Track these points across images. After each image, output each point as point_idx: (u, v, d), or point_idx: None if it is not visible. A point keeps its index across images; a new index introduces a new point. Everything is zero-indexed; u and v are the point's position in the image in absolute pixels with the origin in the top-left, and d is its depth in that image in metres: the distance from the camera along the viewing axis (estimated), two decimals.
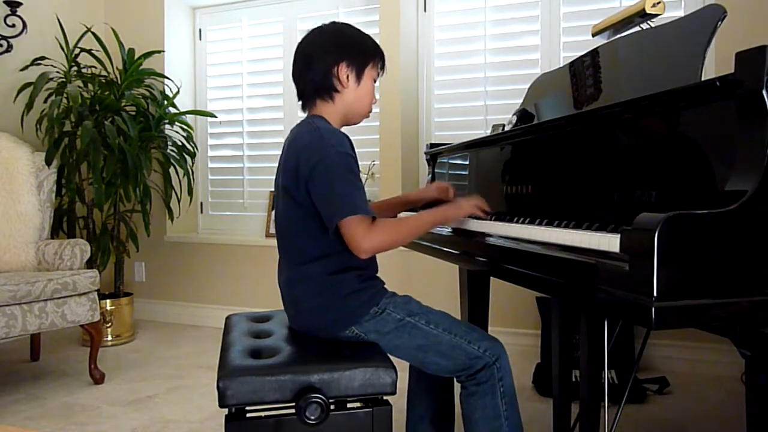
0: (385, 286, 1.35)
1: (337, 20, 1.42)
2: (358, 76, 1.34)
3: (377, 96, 1.43)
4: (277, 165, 1.39)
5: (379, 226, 1.23)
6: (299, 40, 1.39)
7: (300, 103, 1.39)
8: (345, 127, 1.38)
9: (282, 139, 3.49)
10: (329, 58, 1.32)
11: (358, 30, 1.40)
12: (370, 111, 1.41)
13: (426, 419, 1.45)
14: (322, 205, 1.23)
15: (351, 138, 1.29)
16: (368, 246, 1.20)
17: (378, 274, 1.37)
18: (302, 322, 1.34)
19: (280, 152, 1.38)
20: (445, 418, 1.47)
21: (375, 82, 1.39)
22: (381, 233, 1.22)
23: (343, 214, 1.19)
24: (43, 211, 2.75)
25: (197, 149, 3.47)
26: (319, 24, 1.39)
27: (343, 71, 1.32)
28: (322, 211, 1.23)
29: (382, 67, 1.40)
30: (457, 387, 1.34)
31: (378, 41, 1.42)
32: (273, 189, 3.40)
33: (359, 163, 1.29)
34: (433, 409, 1.45)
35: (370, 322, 1.27)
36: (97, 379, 2.49)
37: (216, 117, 3.57)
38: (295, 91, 1.41)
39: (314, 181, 1.23)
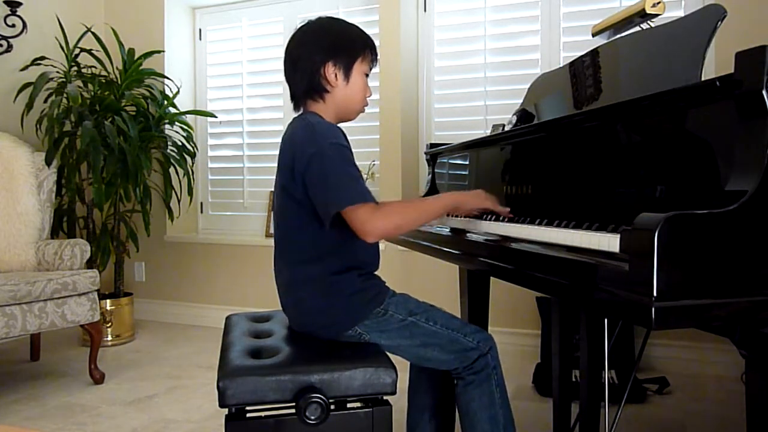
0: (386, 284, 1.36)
1: (323, 15, 1.39)
2: (347, 74, 1.33)
3: (371, 91, 1.41)
4: (276, 165, 1.39)
5: (385, 208, 1.22)
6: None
7: (292, 103, 1.39)
8: (342, 124, 1.38)
9: None
10: (315, 58, 1.31)
11: (345, 24, 1.37)
12: (365, 105, 1.40)
13: (426, 413, 1.46)
14: (318, 196, 1.22)
15: (348, 135, 1.28)
16: (373, 228, 1.18)
17: (377, 273, 1.37)
18: (304, 323, 1.34)
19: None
20: (445, 412, 1.48)
21: (367, 76, 1.37)
22: (388, 215, 1.21)
23: (345, 204, 1.18)
24: (43, 211, 2.75)
25: (197, 149, 3.47)
26: (305, 21, 1.36)
27: (331, 71, 1.31)
28: (317, 202, 1.22)
29: (374, 59, 1.38)
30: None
31: (378, 41, 1.41)
32: (273, 189, 3.40)
33: (358, 163, 1.29)
34: (433, 404, 1.46)
35: (373, 322, 1.28)
36: (97, 379, 2.49)
37: (216, 117, 3.57)
38: None
39: (310, 174, 1.21)
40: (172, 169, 3.34)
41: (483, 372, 1.27)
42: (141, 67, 3.25)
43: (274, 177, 1.42)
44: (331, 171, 1.20)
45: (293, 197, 1.27)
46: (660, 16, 1.42)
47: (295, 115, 1.39)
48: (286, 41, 1.37)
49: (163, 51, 3.54)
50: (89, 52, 3.16)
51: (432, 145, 2.04)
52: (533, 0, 2.91)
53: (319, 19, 1.37)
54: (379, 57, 1.41)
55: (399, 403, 1.39)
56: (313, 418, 1.10)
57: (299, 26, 1.37)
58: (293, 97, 1.38)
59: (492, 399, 1.28)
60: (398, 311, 1.29)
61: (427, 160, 2.07)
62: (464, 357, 1.27)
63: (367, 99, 1.40)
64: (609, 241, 0.88)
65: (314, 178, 1.21)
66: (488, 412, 1.27)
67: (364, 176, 3.09)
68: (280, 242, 1.35)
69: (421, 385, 1.47)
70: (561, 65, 1.73)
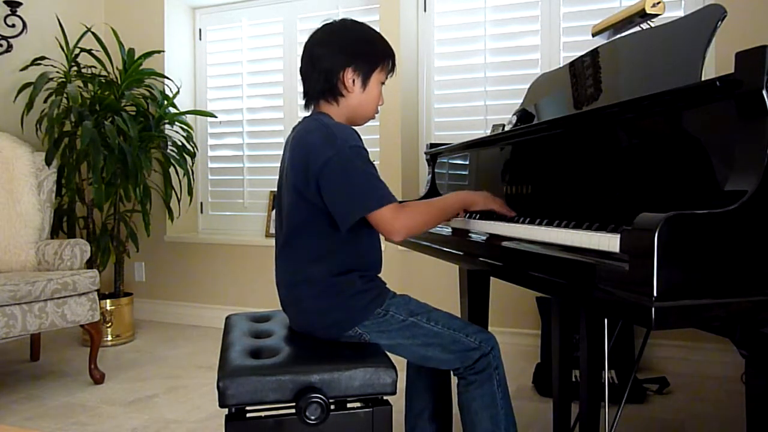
0: (387, 285, 1.36)
1: (347, 18, 1.39)
2: (365, 82, 1.33)
3: (384, 100, 1.42)
4: (279, 164, 1.38)
5: (409, 207, 1.24)
6: (307, 36, 1.37)
7: (304, 100, 1.39)
8: None
9: (282, 139, 3.51)
10: (336, 61, 1.30)
11: (369, 30, 1.37)
12: (376, 113, 1.41)
13: (424, 415, 1.46)
14: (338, 201, 1.21)
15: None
16: (401, 226, 1.20)
17: (378, 275, 1.37)
18: (304, 323, 1.34)
19: (280, 152, 1.36)
20: (443, 414, 1.48)
21: (383, 84, 1.38)
22: (413, 214, 1.23)
23: (374, 206, 1.19)
24: (43, 211, 2.75)
25: (197, 149, 3.47)
26: (330, 20, 1.36)
27: (349, 76, 1.31)
28: (337, 207, 1.21)
29: (392, 69, 1.38)
30: (453, 381, 1.36)
31: None
32: (273, 189, 3.41)
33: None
34: (432, 404, 1.46)
35: (374, 323, 1.27)
36: (97, 379, 2.49)
37: (216, 117, 3.57)
38: (295, 91, 1.41)
39: (327, 178, 1.21)
40: (172, 169, 3.34)
41: (485, 372, 1.27)
42: (141, 67, 3.25)
43: (277, 177, 1.42)
44: (354, 175, 1.21)
45: (304, 197, 1.26)
46: (660, 16, 1.42)
47: (305, 113, 1.39)
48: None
49: (163, 51, 3.54)
50: (89, 52, 3.16)
51: (432, 145, 2.04)
52: (533, 0, 2.91)
53: (344, 21, 1.37)
54: (396, 67, 1.41)
55: (399, 403, 1.39)
56: (313, 418, 1.10)
57: (323, 24, 1.36)
58: (306, 95, 1.37)
59: (494, 399, 1.28)
60: (399, 312, 1.28)
61: (427, 160, 2.07)
62: (466, 357, 1.27)
63: (378, 107, 1.40)
64: (609, 241, 0.88)
65: (334, 183, 1.21)
66: (490, 412, 1.27)
67: None
68: (283, 241, 1.34)
69: (419, 387, 1.47)
70: (561, 65, 1.73)
